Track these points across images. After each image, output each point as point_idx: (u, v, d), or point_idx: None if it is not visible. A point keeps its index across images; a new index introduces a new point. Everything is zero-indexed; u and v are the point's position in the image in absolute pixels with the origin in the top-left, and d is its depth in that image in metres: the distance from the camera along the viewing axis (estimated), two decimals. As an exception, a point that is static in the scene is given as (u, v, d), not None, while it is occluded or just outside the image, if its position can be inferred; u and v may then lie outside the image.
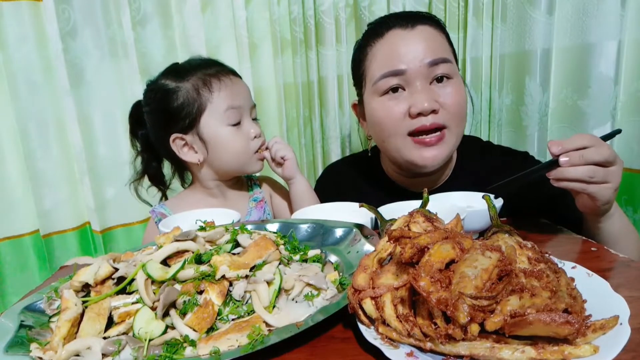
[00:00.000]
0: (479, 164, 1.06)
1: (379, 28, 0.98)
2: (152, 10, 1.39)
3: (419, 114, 0.91)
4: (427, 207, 0.72)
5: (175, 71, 1.11)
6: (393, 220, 0.67)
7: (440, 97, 0.92)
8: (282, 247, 0.70)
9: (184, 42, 1.45)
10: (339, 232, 0.77)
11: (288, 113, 1.55)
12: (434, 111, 0.91)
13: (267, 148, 1.13)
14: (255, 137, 1.09)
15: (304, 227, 0.82)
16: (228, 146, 1.08)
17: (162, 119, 1.10)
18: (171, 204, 1.18)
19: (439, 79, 0.93)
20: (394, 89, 0.94)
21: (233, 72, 1.12)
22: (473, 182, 1.00)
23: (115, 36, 1.41)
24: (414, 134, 0.93)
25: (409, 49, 0.92)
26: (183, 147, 1.10)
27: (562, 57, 1.18)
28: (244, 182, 1.24)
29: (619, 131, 0.80)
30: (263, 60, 1.49)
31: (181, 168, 1.21)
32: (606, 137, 0.75)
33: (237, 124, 1.08)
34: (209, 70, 1.08)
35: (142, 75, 1.41)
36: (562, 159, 0.71)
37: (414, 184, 1.07)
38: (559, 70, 1.20)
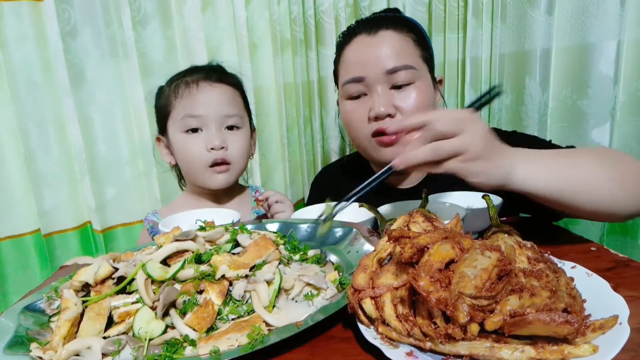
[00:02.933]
0: None
1: (348, 34, 1.03)
2: (153, 10, 1.39)
3: (377, 118, 0.95)
4: (427, 207, 0.72)
5: (175, 74, 1.13)
6: (393, 220, 0.67)
7: (397, 101, 0.95)
8: (282, 246, 0.70)
9: (184, 42, 1.45)
10: (339, 232, 0.77)
11: (288, 113, 1.55)
12: (389, 115, 0.95)
13: (266, 199, 1.10)
14: (212, 149, 1.05)
15: (304, 227, 0.82)
16: (180, 154, 1.09)
17: (155, 117, 1.15)
18: (164, 212, 1.18)
19: (400, 85, 0.96)
20: (357, 95, 0.99)
21: (220, 79, 1.10)
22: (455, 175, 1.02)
23: (115, 36, 1.41)
24: (375, 134, 0.96)
25: (369, 56, 0.96)
26: (164, 147, 1.13)
27: (561, 57, 1.18)
28: (246, 193, 1.24)
29: (497, 92, 0.73)
30: (263, 60, 1.49)
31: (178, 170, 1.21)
32: (481, 101, 0.71)
33: (196, 132, 1.06)
34: (191, 76, 1.09)
35: (142, 75, 1.41)
36: (394, 161, 0.66)
37: (397, 181, 1.10)
38: (559, 70, 1.20)
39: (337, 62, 1.07)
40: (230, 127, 1.09)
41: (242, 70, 1.45)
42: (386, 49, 0.95)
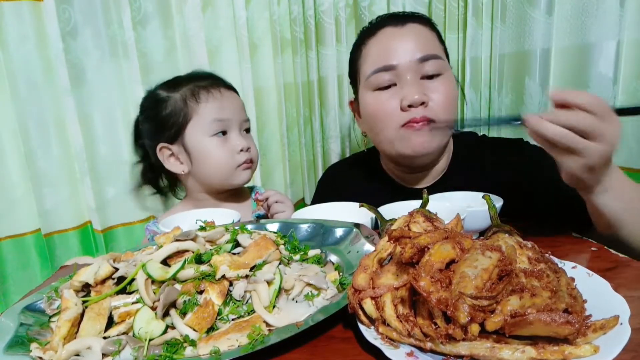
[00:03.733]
0: (474, 159, 1.07)
1: (371, 28, 1.02)
2: (153, 10, 1.40)
3: (410, 106, 0.93)
4: (427, 207, 0.72)
5: (170, 82, 1.12)
6: (393, 220, 0.67)
7: (429, 91, 0.94)
8: (282, 247, 0.70)
9: (184, 42, 1.45)
10: (339, 232, 0.77)
11: (288, 113, 1.55)
12: (423, 103, 0.93)
13: (266, 199, 1.12)
14: (241, 150, 1.09)
15: (304, 227, 0.82)
16: (211, 157, 1.08)
17: (152, 128, 1.12)
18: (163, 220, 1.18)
19: (430, 75, 0.95)
20: (386, 84, 0.97)
21: (227, 86, 1.13)
22: (469, 177, 1.03)
23: (115, 36, 1.41)
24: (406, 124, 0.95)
25: (399, 45, 0.95)
26: (170, 157, 1.11)
27: (561, 57, 1.18)
28: (246, 195, 1.23)
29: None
30: (263, 60, 1.50)
31: (173, 179, 1.20)
32: (625, 111, 0.66)
33: (223, 136, 1.08)
34: (200, 82, 1.09)
35: (142, 75, 1.41)
36: (525, 116, 0.65)
37: (413, 180, 1.08)
38: (558, 70, 1.19)
39: (356, 58, 1.05)
40: (246, 130, 1.15)
41: (242, 71, 1.45)
42: (416, 39, 0.96)
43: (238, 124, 1.11)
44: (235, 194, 1.19)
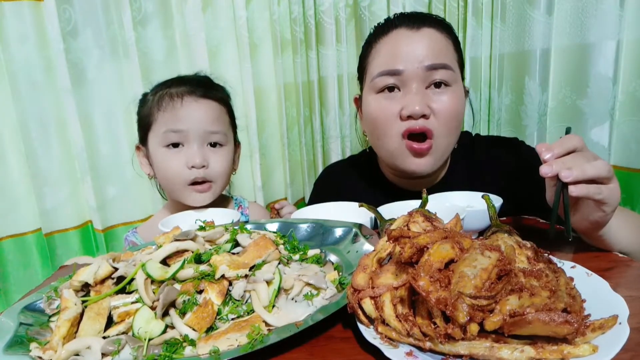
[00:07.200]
0: (470, 161, 1.07)
1: (385, 26, 0.99)
2: (153, 10, 1.40)
3: (409, 117, 0.91)
4: (427, 207, 0.72)
5: (162, 83, 1.10)
6: (392, 220, 0.67)
7: (433, 103, 0.92)
8: (281, 246, 0.70)
9: (184, 42, 1.45)
10: (338, 231, 0.77)
11: (288, 113, 1.55)
12: (424, 115, 0.91)
13: (277, 211, 1.12)
14: (192, 167, 1.02)
15: (304, 226, 0.83)
16: (160, 169, 1.05)
17: (137, 124, 1.12)
18: (142, 230, 1.17)
19: (437, 84, 0.93)
20: (390, 88, 0.94)
21: (206, 94, 1.06)
22: (466, 179, 1.03)
23: (116, 36, 1.41)
24: (406, 136, 0.93)
25: (409, 50, 0.92)
26: (143, 157, 1.11)
27: (561, 57, 1.18)
28: (230, 206, 1.21)
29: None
30: (263, 60, 1.50)
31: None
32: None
33: (176, 148, 1.03)
34: (175, 88, 1.05)
35: (142, 74, 1.41)
36: (563, 173, 0.61)
37: (411, 184, 1.07)
38: (558, 70, 1.19)
39: (366, 54, 1.01)
40: (213, 144, 1.06)
41: (242, 71, 1.45)
42: (428, 46, 0.92)
43: (199, 137, 1.03)
44: (214, 204, 1.11)
